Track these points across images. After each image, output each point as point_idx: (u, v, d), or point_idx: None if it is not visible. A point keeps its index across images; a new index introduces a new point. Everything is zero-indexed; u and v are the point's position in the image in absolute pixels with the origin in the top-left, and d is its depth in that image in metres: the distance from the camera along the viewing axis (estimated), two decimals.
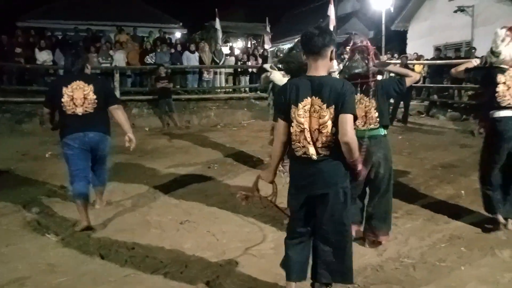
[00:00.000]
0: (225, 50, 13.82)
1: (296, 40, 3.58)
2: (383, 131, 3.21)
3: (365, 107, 3.17)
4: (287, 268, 2.45)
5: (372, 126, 3.16)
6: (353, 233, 3.12)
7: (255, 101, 12.11)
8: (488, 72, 3.57)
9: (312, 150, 2.21)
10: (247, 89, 12.72)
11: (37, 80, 10.77)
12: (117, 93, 10.17)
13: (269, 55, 14.00)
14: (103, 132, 3.90)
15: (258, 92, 12.69)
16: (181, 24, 19.54)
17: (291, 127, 2.27)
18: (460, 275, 2.84)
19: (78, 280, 2.85)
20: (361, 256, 3.14)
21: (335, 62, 2.40)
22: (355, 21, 25.05)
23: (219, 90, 12.45)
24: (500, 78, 3.44)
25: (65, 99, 3.70)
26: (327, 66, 2.27)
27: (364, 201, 3.39)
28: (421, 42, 16.02)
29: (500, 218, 3.56)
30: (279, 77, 5.10)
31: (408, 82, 3.28)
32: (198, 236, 3.56)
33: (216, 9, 14.08)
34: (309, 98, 2.22)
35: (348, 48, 3.61)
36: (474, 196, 4.41)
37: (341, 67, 3.28)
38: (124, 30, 13.00)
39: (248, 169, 5.84)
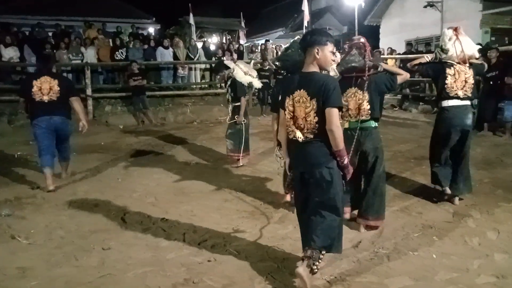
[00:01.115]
0: (200, 45, 13.68)
1: (292, 40, 3.90)
2: (374, 123, 3.43)
3: (358, 100, 3.38)
4: (302, 238, 2.75)
5: (363, 118, 3.37)
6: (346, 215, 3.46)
7: None
8: (438, 67, 3.96)
9: (299, 134, 2.58)
10: (223, 84, 12.63)
11: (4, 78, 10.34)
12: (89, 91, 9.96)
13: (244, 50, 13.96)
14: (64, 116, 4.91)
15: None
16: (154, 19, 19.22)
17: (285, 115, 2.64)
18: (432, 264, 2.93)
19: (50, 283, 2.77)
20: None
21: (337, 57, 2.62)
22: (329, 16, 25.28)
23: (194, 86, 12.32)
24: (449, 71, 3.88)
25: (34, 89, 4.74)
26: (315, 63, 2.54)
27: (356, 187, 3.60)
28: (393, 37, 16.35)
29: (447, 190, 4.03)
30: (241, 75, 5.44)
31: (399, 80, 3.52)
32: (175, 235, 3.53)
33: (190, 4, 13.92)
34: (298, 91, 2.56)
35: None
36: None
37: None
38: (94, 26, 12.64)
39: (226, 165, 5.83)
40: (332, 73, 3.29)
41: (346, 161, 2.55)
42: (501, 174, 5.05)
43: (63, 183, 5.03)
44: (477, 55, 4.12)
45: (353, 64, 3.33)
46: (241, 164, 5.69)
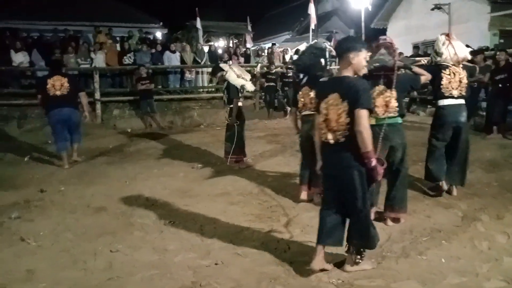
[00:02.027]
0: (206, 49, 13.74)
1: (309, 44, 4.43)
2: (400, 120, 3.62)
3: (385, 98, 3.54)
4: (319, 232, 2.85)
5: (391, 114, 3.55)
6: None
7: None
8: (434, 69, 4.20)
9: (330, 136, 2.72)
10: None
11: (13, 83, 10.47)
12: (97, 95, 10.04)
13: (251, 54, 13.99)
14: (73, 107, 5.95)
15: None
16: (161, 24, 19.34)
17: (319, 117, 2.80)
18: (441, 268, 2.90)
19: (57, 286, 2.79)
20: (344, 252, 3.18)
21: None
22: (335, 19, 25.29)
23: (201, 90, 12.37)
24: (445, 72, 4.18)
25: (48, 86, 5.81)
26: (350, 68, 2.69)
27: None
28: (400, 40, 16.19)
29: (443, 185, 4.31)
30: (234, 77, 5.61)
31: (422, 80, 3.77)
32: (182, 238, 3.53)
33: (197, 9, 13.99)
34: (332, 94, 2.69)
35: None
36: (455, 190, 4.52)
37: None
38: (102, 31, 12.76)
39: (231, 168, 5.83)
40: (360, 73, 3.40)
41: (374, 163, 2.59)
42: (510, 177, 4.99)
43: (70, 186, 5.07)
44: (469, 57, 4.42)
45: (383, 63, 3.49)
46: (237, 167, 5.78)
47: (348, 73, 2.69)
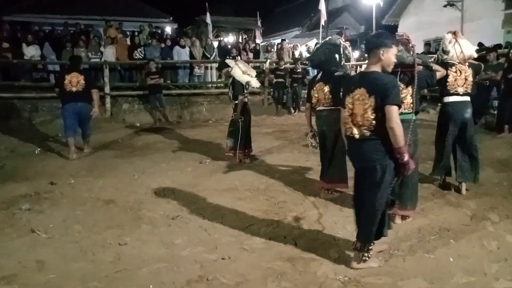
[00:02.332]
0: (216, 44, 13.73)
1: (323, 40, 4.55)
2: (414, 116, 3.58)
3: (402, 94, 3.45)
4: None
5: (406, 111, 3.49)
6: None
7: (247, 96, 12.08)
8: (441, 66, 4.14)
9: (355, 131, 2.74)
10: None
11: (25, 76, 10.59)
12: (107, 89, 10.10)
13: (260, 50, 13.94)
14: (87, 102, 6.34)
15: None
16: (171, 18, 19.38)
17: (344, 112, 2.83)
18: (449, 267, 2.88)
19: (67, 277, 2.83)
20: (352, 249, 3.17)
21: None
22: (346, 15, 25.09)
23: (210, 85, 12.37)
24: (451, 70, 4.22)
25: (66, 81, 6.21)
26: (379, 64, 2.70)
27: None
28: (411, 37, 16.07)
29: (450, 180, 4.49)
30: (239, 73, 5.64)
31: (438, 76, 3.85)
32: (189, 232, 3.56)
33: (207, 4, 13.98)
34: (358, 89, 2.71)
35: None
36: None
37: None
38: (113, 25, 12.83)
39: (239, 164, 5.84)
40: None
41: (406, 157, 2.60)
42: None
43: (80, 178, 5.13)
44: (475, 55, 4.44)
45: (401, 60, 3.41)
46: (237, 161, 5.81)
47: (376, 68, 2.71)
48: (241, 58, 12.76)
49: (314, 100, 4.37)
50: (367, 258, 2.83)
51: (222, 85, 12.46)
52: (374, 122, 2.64)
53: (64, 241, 3.39)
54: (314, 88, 4.37)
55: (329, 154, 4.35)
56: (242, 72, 5.70)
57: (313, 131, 4.50)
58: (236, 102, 5.74)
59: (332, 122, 4.17)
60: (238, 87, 5.71)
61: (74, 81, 6.20)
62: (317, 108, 4.37)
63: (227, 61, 6.10)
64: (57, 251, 3.20)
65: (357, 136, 2.73)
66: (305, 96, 12.37)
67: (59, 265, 2.99)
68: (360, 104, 2.69)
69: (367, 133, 2.68)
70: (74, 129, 6.32)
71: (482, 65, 4.76)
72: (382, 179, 2.67)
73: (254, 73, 5.95)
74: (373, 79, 2.67)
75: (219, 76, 12.38)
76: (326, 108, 4.29)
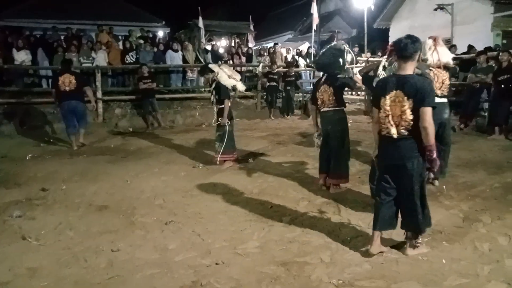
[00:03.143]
0: (209, 48, 13.73)
1: (328, 46, 4.72)
2: None
3: None
4: (377, 220, 3.08)
5: None
6: None
7: (240, 100, 12.08)
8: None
9: (393, 131, 2.91)
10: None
11: (16, 81, 10.49)
12: (99, 93, 10.05)
13: (253, 54, 13.98)
14: (79, 100, 7.18)
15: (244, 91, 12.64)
16: (163, 22, 19.35)
17: (380, 113, 2.97)
18: (442, 269, 2.89)
19: (59, 283, 2.80)
20: (345, 252, 3.18)
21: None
22: (338, 19, 25.23)
23: (203, 89, 12.35)
24: (429, 75, 4.28)
25: (59, 82, 7.03)
26: (413, 66, 2.94)
27: None
28: None
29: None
30: (225, 77, 5.66)
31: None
32: (183, 237, 3.54)
33: (199, 8, 14.00)
34: (394, 91, 2.89)
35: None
36: (455, 191, 4.52)
37: (384, 64, 3.97)
38: (104, 30, 12.79)
39: (233, 168, 5.84)
40: (382, 77, 3.74)
41: (435, 154, 2.82)
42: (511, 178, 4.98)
43: (72, 184, 5.09)
44: (451, 62, 4.72)
45: None
46: (225, 166, 5.80)
47: (410, 71, 2.91)
48: (233, 62, 12.83)
49: (319, 102, 4.61)
50: (419, 245, 3.08)
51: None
52: (412, 122, 2.84)
53: (56, 247, 3.36)
54: (319, 90, 4.59)
55: (334, 152, 4.62)
56: (228, 76, 5.74)
57: (319, 130, 4.75)
58: (221, 106, 5.72)
59: (336, 122, 4.59)
60: (224, 91, 5.72)
61: (67, 81, 6.99)
62: (322, 109, 4.62)
63: (211, 65, 6.09)
64: (49, 258, 3.17)
65: (395, 136, 2.91)
66: (298, 100, 12.45)
67: (51, 271, 2.96)
68: (397, 105, 2.88)
69: (405, 132, 2.89)
70: (73, 126, 7.18)
71: (457, 68, 5.15)
72: (419, 174, 2.93)
73: (239, 76, 6.02)
74: (411, 82, 2.85)
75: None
76: (330, 109, 4.56)
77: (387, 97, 2.92)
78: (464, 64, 9.27)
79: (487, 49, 8.42)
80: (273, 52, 13.90)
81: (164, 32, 18.87)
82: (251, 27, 18.14)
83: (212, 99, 5.90)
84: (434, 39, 4.47)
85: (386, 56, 4.00)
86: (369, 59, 11.47)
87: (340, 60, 4.49)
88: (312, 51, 14.41)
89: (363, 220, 3.77)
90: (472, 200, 4.26)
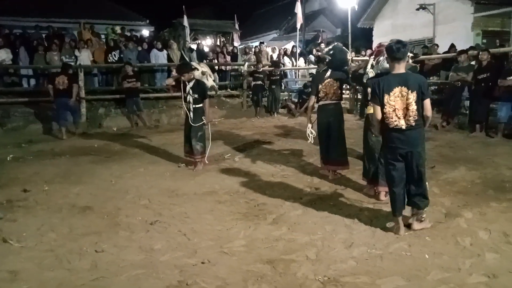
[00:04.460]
0: (194, 47, 13.66)
1: (333, 44, 5.31)
2: None
3: None
4: (397, 206, 3.42)
5: None
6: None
7: (226, 99, 12.06)
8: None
9: (402, 122, 3.28)
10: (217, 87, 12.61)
11: None
12: (82, 93, 9.89)
13: (238, 53, 13.96)
14: (69, 97, 8.35)
15: (229, 89, 12.63)
16: (148, 21, 19.17)
17: (385, 109, 3.31)
18: (425, 264, 2.95)
19: (42, 286, 2.75)
20: (331, 249, 3.21)
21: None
22: (322, 18, 25.39)
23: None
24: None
25: (56, 82, 8.26)
26: (405, 65, 3.36)
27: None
28: (386, 39, 16.33)
29: None
30: (198, 74, 5.76)
31: None
32: (168, 237, 3.52)
33: (184, 7, 13.90)
34: (397, 87, 3.27)
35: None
36: (437, 187, 4.60)
37: (372, 64, 4.34)
38: (86, 28, 12.60)
39: (219, 167, 5.82)
40: (371, 75, 4.24)
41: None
42: (492, 174, 5.09)
43: (55, 185, 5.00)
44: (410, 61, 4.88)
45: (388, 67, 3.83)
46: (201, 167, 5.70)
47: (404, 70, 3.33)
48: (218, 61, 12.79)
49: (321, 94, 4.97)
50: (423, 219, 3.48)
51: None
52: (417, 112, 3.25)
53: (38, 249, 3.30)
54: (323, 84, 4.96)
55: (334, 141, 5.02)
56: (209, 75, 5.78)
57: (312, 123, 5.12)
58: (199, 106, 5.60)
59: (338, 113, 5.08)
60: (206, 91, 5.69)
61: (61, 81, 8.23)
62: (323, 102, 5.00)
63: (194, 64, 6.01)
64: (31, 260, 3.11)
65: (403, 127, 3.27)
66: (284, 98, 12.45)
67: (34, 274, 2.90)
68: (401, 100, 3.26)
69: (413, 123, 3.27)
70: (64, 118, 8.38)
71: (418, 67, 5.38)
72: (424, 157, 3.42)
73: (214, 77, 6.04)
74: (411, 79, 3.29)
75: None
76: (332, 102, 4.99)
77: (391, 93, 3.27)
78: (446, 63, 9.44)
79: (471, 48, 8.57)
80: (258, 51, 13.91)
81: (148, 30, 18.70)
82: (236, 26, 18.12)
83: (188, 99, 5.60)
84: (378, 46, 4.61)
85: (373, 56, 4.35)
86: (353, 58, 11.57)
87: (348, 57, 5.06)
88: (297, 50, 14.47)
89: (348, 218, 3.81)
90: (454, 196, 4.34)
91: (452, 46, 10.52)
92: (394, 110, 3.27)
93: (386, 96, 3.29)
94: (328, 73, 4.96)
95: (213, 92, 5.73)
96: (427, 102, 3.28)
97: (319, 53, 6.47)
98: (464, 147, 6.62)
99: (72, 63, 10.53)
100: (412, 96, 3.24)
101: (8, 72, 10.59)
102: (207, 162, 5.80)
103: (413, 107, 3.24)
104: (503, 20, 13.15)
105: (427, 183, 3.50)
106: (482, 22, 13.30)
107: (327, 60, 5.04)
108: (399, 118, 3.27)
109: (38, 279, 2.84)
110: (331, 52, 5.02)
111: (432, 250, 3.14)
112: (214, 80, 6.00)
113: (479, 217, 3.77)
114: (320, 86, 4.97)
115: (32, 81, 10.81)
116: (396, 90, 3.26)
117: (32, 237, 3.52)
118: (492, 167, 5.42)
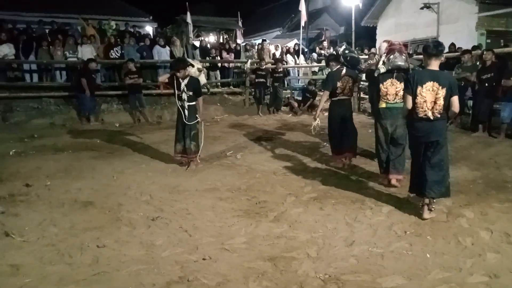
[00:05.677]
0: (196, 44, 13.63)
1: (344, 45, 5.73)
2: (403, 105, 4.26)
3: (396, 88, 4.53)
4: (419, 189, 3.78)
5: (399, 101, 4.43)
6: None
7: (228, 96, 12.05)
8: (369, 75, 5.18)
9: (430, 113, 3.64)
10: (219, 84, 12.61)
11: None
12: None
13: (241, 50, 13.93)
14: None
15: (231, 87, 12.62)
16: (151, 18, 19.15)
17: (416, 99, 3.66)
18: (425, 263, 2.95)
19: (43, 281, 2.76)
20: (332, 247, 3.21)
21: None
22: (326, 16, 25.29)
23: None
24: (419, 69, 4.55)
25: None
26: (438, 63, 3.69)
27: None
28: (389, 38, 16.29)
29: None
30: (194, 71, 5.84)
31: None
32: (170, 233, 3.52)
33: (187, 3, 13.87)
34: (430, 82, 3.62)
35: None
36: None
37: (383, 61, 4.58)
38: (90, 24, 12.58)
39: (220, 164, 5.82)
40: (382, 70, 4.52)
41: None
42: (494, 174, 5.08)
43: (57, 180, 5.02)
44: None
45: (399, 65, 4.44)
46: (195, 166, 5.61)
47: (437, 67, 3.67)
48: (222, 58, 12.78)
49: (339, 90, 5.40)
50: (433, 209, 3.73)
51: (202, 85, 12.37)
52: (443, 107, 3.60)
53: (40, 244, 3.31)
54: (341, 81, 5.38)
55: (350, 132, 5.50)
56: (197, 70, 5.83)
57: (318, 119, 5.56)
58: (192, 103, 5.54)
59: (350, 108, 5.73)
60: (199, 88, 5.68)
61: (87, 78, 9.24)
62: (339, 97, 5.44)
63: (191, 61, 5.99)
64: (33, 255, 3.12)
65: (431, 118, 3.62)
66: (286, 96, 12.44)
67: (35, 268, 2.91)
68: (431, 93, 3.60)
69: (438, 115, 3.62)
70: (89, 108, 9.58)
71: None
72: (446, 146, 3.70)
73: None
74: (443, 76, 3.66)
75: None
76: (347, 97, 5.52)
77: (424, 86, 3.61)
78: (449, 62, 9.40)
79: (476, 47, 8.51)
80: (261, 48, 13.88)
81: (151, 27, 18.68)
82: (240, 23, 18.07)
83: (183, 96, 5.50)
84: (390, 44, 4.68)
85: (385, 54, 4.60)
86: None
87: (360, 57, 5.85)
88: (300, 48, 14.44)
89: (349, 216, 3.81)
90: (455, 196, 4.32)
91: (452, 45, 10.48)
92: (425, 101, 3.62)
93: (419, 88, 3.63)
94: (344, 71, 5.40)
95: (205, 90, 5.76)
96: (455, 99, 3.62)
97: (334, 52, 6.76)
98: (466, 147, 6.60)
99: (75, 59, 10.56)
100: (442, 92, 3.58)
101: (12, 66, 10.60)
102: (199, 161, 5.74)
103: (441, 101, 3.59)
104: (507, 20, 13.10)
105: (448, 173, 3.77)
106: (486, 22, 13.25)
107: (347, 59, 5.45)
108: (428, 109, 3.62)
109: (40, 273, 2.85)
110: (347, 51, 5.49)
111: (433, 250, 3.14)
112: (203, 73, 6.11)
113: (481, 217, 3.77)
114: (338, 83, 5.37)
115: (35, 77, 10.82)
116: (429, 84, 3.60)
117: (33, 232, 3.53)
118: (494, 167, 5.41)
